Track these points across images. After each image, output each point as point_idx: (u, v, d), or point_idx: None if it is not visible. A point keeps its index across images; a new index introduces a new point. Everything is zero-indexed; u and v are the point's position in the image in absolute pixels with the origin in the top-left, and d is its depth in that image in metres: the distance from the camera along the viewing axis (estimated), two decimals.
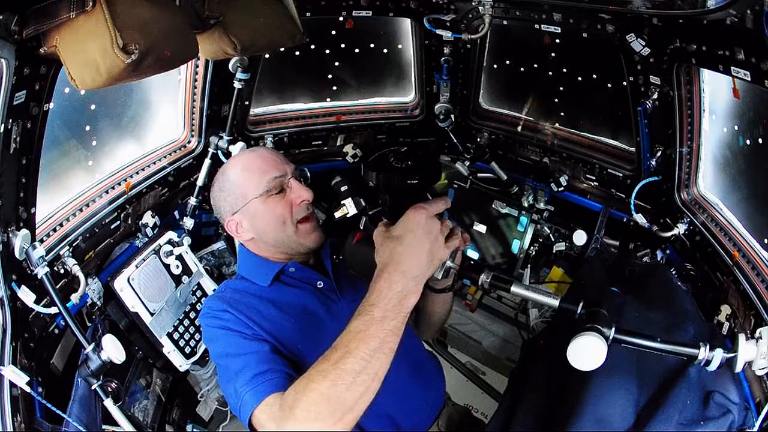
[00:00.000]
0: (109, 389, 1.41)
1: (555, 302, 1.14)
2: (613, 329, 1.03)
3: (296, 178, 1.50)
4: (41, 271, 1.35)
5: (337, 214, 2.32)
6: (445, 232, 1.09)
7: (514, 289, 1.20)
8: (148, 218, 1.95)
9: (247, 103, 2.25)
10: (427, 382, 1.59)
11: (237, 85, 2.02)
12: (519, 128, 2.52)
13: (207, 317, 1.40)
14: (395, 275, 1.01)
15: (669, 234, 1.94)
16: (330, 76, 2.53)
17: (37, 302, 1.37)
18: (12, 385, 1.23)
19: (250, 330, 1.32)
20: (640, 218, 2.05)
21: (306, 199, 1.47)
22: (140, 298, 1.77)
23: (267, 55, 2.23)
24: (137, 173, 1.98)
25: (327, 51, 2.44)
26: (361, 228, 1.44)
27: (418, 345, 1.66)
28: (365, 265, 1.32)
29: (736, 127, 1.68)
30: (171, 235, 1.96)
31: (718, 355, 1.03)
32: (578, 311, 1.11)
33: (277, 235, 1.47)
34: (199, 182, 2.12)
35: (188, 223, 2.12)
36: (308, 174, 1.65)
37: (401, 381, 1.47)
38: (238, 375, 1.22)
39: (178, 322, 1.95)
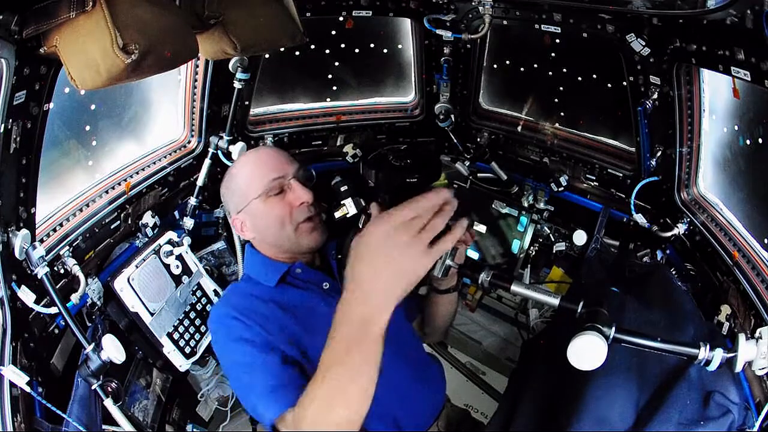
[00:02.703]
0: (109, 389, 1.41)
1: (555, 301, 1.14)
2: (614, 329, 1.03)
3: (298, 179, 1.49)
4: (41, 271, 1.35)
5: (337, 214, 2.32)
6: (427, 237, 0.93)
7: (514, 287, 1.20)
8: (148, 218, 1.95)
9: (247, 103, 2.24)
10: (429, 382, 1.59)
11: (237, 85, 2.02)
12: (519, 128, 2.52)
13: (215, 324, 1.40)
14: (353, 301, 0.93)
15: (669, 234, 1.94)
16: (330, 76, 2.53)
17: (37, 302, 1.36)
18: (12, 385, 1.23)
19: (259, 338, 1.32)
20: (640, 218, 2.05)
21: (305, 201, 1.46)
22: (140, 298, 1.77)
23: (267, 55, 2.23)
24: (137, 173, 1.97)
25: (327, 51, 2.44)
26: (361, 227, 1.43)
27: (419, 346, 1.66)
28: None
29: (736, 127, 1.68)
30: (171, 235, 1.96)
31: (718, 355, 1.03)
32: (578, 310, 1.11)
33: (276, 235, 1.48)
34: (199, 182, 2.12)
35: (188, 223, 2.12)
36: (313, 174, 1.65)
37: (404, 382, 1.47)
38: (252, 388, 1.23)
39: (178, 322, 1.95)
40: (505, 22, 2.15)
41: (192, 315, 2.02)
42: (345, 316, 0.93)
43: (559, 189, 2.34)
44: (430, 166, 1.39)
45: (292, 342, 1.34)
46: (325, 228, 1.52)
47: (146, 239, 1.94)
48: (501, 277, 1.23)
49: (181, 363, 1.93)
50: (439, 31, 2.25)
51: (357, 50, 2.48)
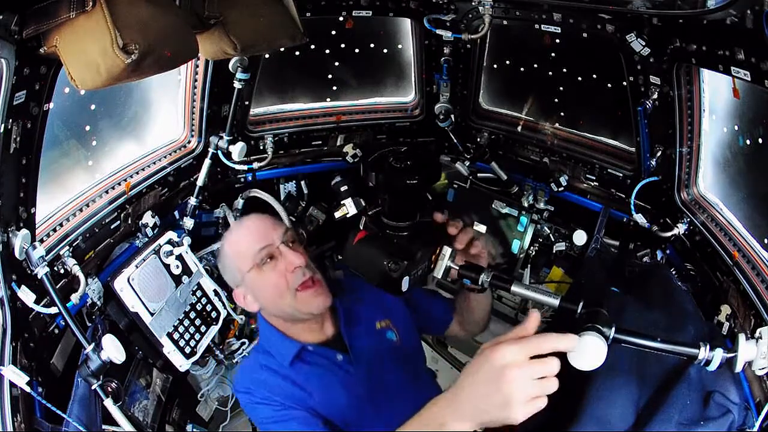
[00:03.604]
0: (109, 389, 1.41)
1: (555, 302, 1.14)
2: (613, 329, 1.03)
3: (286, 243, 1.46)
4: (41, 271, 1.35)
5: (337, 214, 2.33)
6: (539, 390, 0.91)
7: (514, 288, 1.20)
8: (148, 218, 1.95)
9: (247, 103, 2.24)
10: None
11: (237, 85, 2.02)
12: (519, 128, 2.52)
13: (240, 393, 1.48)
14: (444, 402, 0.98)
15: (669, 234, 1.94)
16: (330, 76, 2.53)
17: (37, 302, 1.37)
18: (12, 385, 1.23)
19: (281, 407, 1.40)
20: (640, 218, 2.05)
21: (297, 265, 1.43)
22: (140, 298, 1.77)
23: (267, 55, 2.23)
24: (137, 173, 1.97)
25: (327, 51, 2.44)
26: (361, 227, 1.43)
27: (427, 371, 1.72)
28: (366, 265, 1.32)
29: (736, 127, 1.68)
30: (171, 235, 1.96)
31: (718, 355, 1.03)
32: (578, 311, 1.11)
33: (277, 305, 1.47)
34: (199, 182, 2.12)
35: (188, 223, 2.12)
36: (303, 233, 1.62)
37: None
38: None
39: (178, 322, 1.95)
40: (505, 22, 2.15)
41: (192, 315, 2.02)
42: (428, 411, 0.99)
43: (559, 189, 2.34)
44: (430, 168, 1.39)
45: (313, 414, 1.40)
46: (328, 288, 1.49)
47: (146, 239, 1.94)
48: (501, 278, 1.23)
49: (181, 363, 1.93)
50: (439, 31, 2.25)
51: (357, 50, 2.48)
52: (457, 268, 1.27)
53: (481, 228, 2.45)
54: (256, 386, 1.44)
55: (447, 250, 1.28)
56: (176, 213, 2.16)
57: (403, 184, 1.34)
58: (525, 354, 0.90)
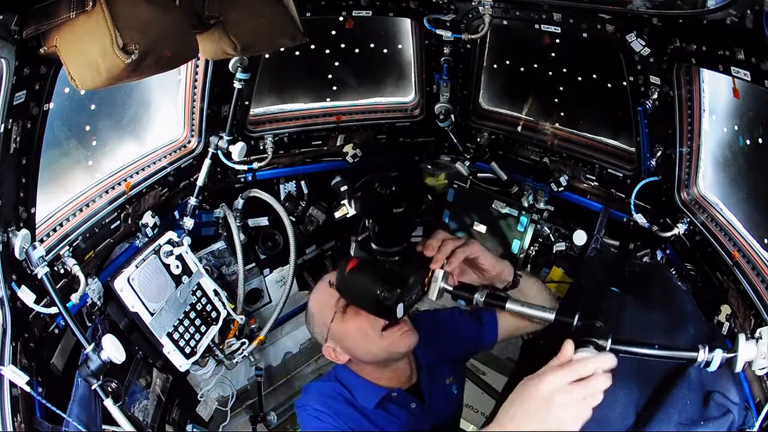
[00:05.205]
0: (109, 389, 1.41)
1: (551, 316, 1.15)
2: (610, 341, 1.03)
3: None
4: (41, 271, 1.35)
5: (337, 215, 2.32)
6: (588, 404, 0.95)
7: (509, 306, 1.21)
8: (148, 218, 1.95)
9: (247, 103, 2.25)
10: None
11: (237, 85, 2.02)
12: (519, 128, 2.52)
13: (306, 408, 1.48)
14: None
15: (669, 234, 1.94)
16: (330, 76, 2.53)
17: (37, 302, 1.37)
18: (12, 385, 1.23)
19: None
20: (640, 218, 2.05)
21: None
22: (140, 298, 1.77)
23: (267, 55, 2.23)
24: (137, 173, 1.97)
25: (327, 51, 2.44)
26: (352, 254, 1.43)
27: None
28: (360, 294, 1.32)
29: (736, 127, 1.68)
30: (171, 235, 1.96)
31: (718, 356, 1.03)
32: (574, 323, 1.11)
33: (366, 349, 1.49)
34: (199, 182, 2.12)
35: (188, 223, 2.12)
36: None
37: None
38: None
39: (178, 322, 1.95)
40: (505, 22, 2.15)
41: (192, 315, 2.02)
42: None
43: (559, 189, 2.34)
44: (416, 192, 1.38)
45: None
46: (414, 327, 1.52)
47: (146, 239, 1.94)
48: (496, 296, 1.23)
49: (181, 363, 1.93)
50: (439, 31, 2.25)
51: (357, 50, 2.49)
52: (451, 288, 1.27)
53: (481, 228, 2.45)
54: (333, 414, 1.46)
55: (439, 272, 1.29)
56: (176, 213, 2.16)
57: (390, 213, 1.33)
58: (567, 380, 0.94)
